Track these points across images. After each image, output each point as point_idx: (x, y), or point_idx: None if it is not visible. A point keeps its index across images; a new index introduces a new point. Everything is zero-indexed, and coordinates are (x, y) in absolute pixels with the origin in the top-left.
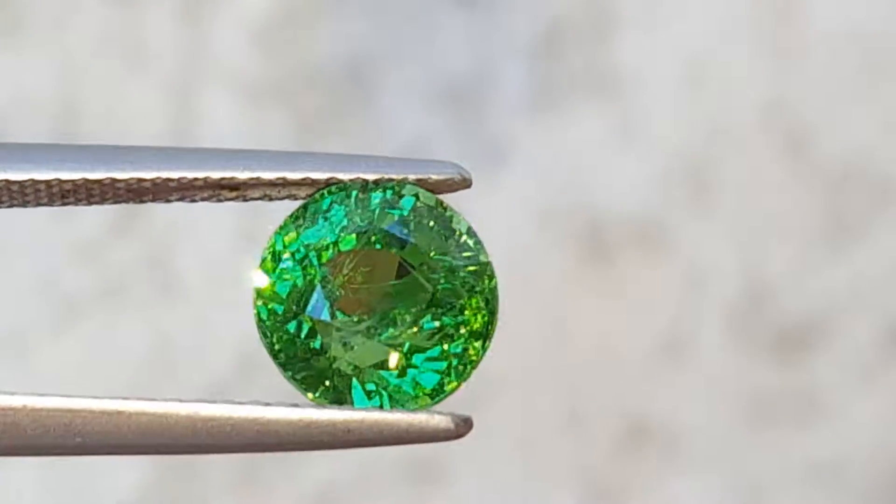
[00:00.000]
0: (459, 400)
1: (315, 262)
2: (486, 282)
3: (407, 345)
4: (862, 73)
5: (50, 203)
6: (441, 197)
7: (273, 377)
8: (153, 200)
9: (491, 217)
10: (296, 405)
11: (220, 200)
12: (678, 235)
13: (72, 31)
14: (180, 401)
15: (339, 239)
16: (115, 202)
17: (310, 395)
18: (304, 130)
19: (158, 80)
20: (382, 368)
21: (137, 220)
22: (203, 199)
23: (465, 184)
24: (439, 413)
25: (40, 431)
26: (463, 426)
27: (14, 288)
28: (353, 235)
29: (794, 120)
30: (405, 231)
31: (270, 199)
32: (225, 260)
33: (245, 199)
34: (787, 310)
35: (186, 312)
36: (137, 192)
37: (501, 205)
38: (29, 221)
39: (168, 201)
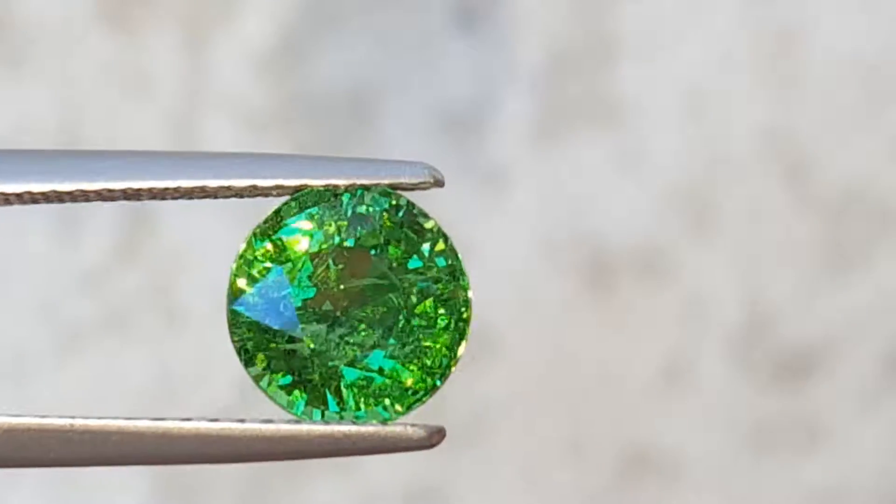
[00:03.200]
0: (461, 428)
1: (287, 265)
2: (458, 283)
3: (378, 348)
4: (862, 102)
5: (9, 204)
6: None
7: (275, 406)
8: (126, 200)
9: (492, 244)
10: (270, 420)
11: (191, 199)
12: (679, 263)
13: (74, 61)
14: (160, 419)
15: (311, 242)
16: (86, 202)
17: (281, 400)
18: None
19: (160, 109)
20: (354, 369)
21: (141, 249)
22: (174, 199)
23: (438, 185)
24: (412, 425)
25: (35, 446)
26: (436, 436)
27: (17, 315)
28: (325, 237)
29: (794, 148)
30: (376, 234)
31: (241, 197)
32: None
33: (216, 198)
34: (787, 337)
35: (188, 340)
36: (108, 198)
37: (502, 232)
38: (32, 248)
39: (140, 200)
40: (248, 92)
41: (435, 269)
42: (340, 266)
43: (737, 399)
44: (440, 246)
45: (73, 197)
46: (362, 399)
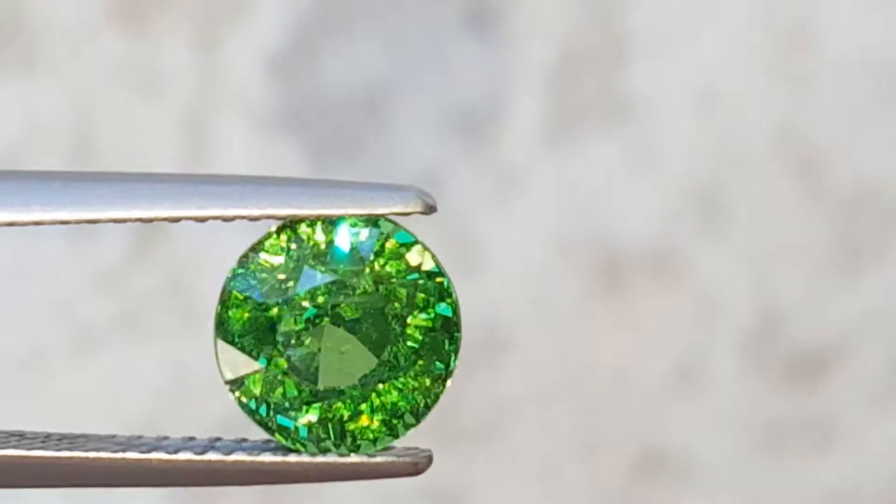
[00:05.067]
0: (476, 428)
1: (272, 306)
2: (446, 314)
3: (367, 382)
4: (874, 100)
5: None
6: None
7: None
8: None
9: (505, 244)
10: (271, 445)
11: (177, 220)
12: (692, 263)
13: (86, 61)
14: (143, 450)
15: (297, 281)
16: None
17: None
18: (318, 159)
19: (172, 110)
20: (345, 403)
21: (156, 250)
22: (160, 221)
23: (430, 211)
24: (399, 455)
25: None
26: (423, 463)
27: (33, 315)
28: (312, 278)
29: (806, 147)
30: (365, 271)
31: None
32: None
33: (203, 221)
34: (800, 337)
35: (203, 341)
36: (91, 224)
37: (516, 233)
38: (48, 249)
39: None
40: (261, 93)
41: (425, 310)
42: (329, 301)
43: (749, 399)
44: (430, 287)
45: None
46: (350, 440)
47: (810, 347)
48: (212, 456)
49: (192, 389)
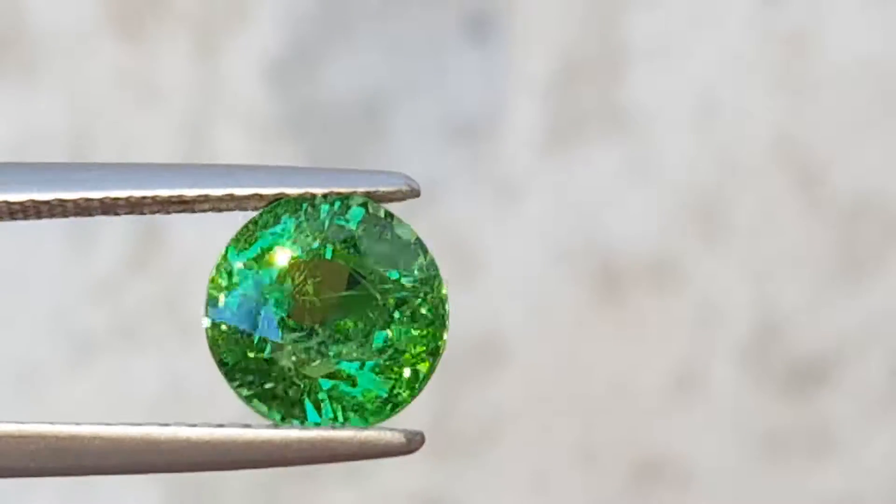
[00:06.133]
0: (473, 435)
1: (265, 275)
2: (436, 292)
3: (356, 358)
4: (874, 108)
5: (13, 218)
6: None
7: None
8: (102, 215)
9: (504, 252)
10: (248, 425)
11: (168, 213)
12: (691, 271)
13: (85, 68)
14: (132, 424)
15: (289, 251)
16: (64, 217)
17: (261, 410)
18: (317, 166)
19: (171, 117)
20: (333, 379)
21: (152, 260)
22: (152, 213)
23: (414, 194)
24: (391, 429)
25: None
26: (416, 441)
27: (29, 324)
28: (303, 247)
29: (806, 155)
30: (354, 242)
31: (220, 211)
32: None
33: (194, 212)
34: (799, 346)
35: (200, 351)
36: (86, 209)
37: (514, 240)
38: (45, 259)
39: (117, 215)
40: (260, 100)
41: (413, 280)
42: (318, 278)
43: (748, 407)
44: (419, 257)
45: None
46: (340, 410)
47: (809, 356)
48: (198, 431)
49: (189, 398)
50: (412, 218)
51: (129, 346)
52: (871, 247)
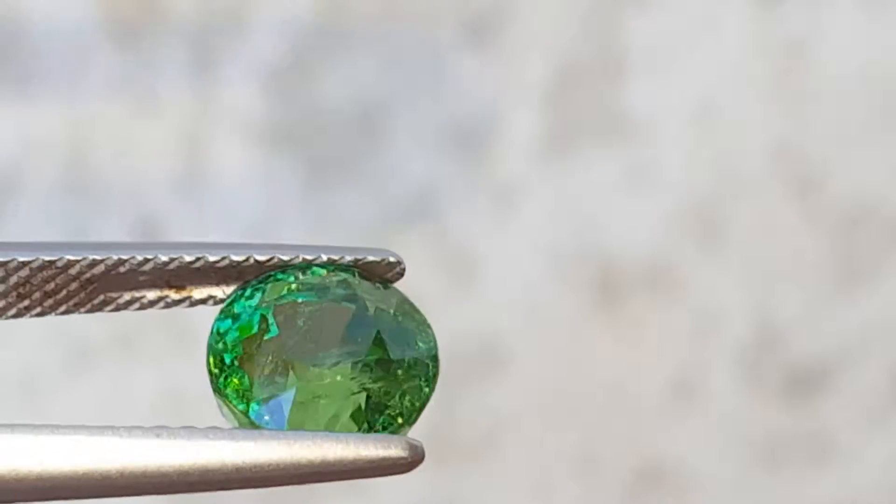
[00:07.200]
0: (472, 443)
1: (269, 313)
2: (429, 343)
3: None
4: (873, 116)
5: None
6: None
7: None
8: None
9: (501, 260)
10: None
11: (167, 306)
12: (689, 278)
13: (83, 78)
14: (119, 434)
15: (292, 293)
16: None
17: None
18: (315, 175)
19: (169, 127)
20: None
21: None
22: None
23: (399, 268)
24: (390, 447)
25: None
26: (418, 456)
27: (27, 333)
28: (306, 292)
29: (804, 163)
30: (351, 290)
31: (216, 303)
32: None
33: (192, 304)
34: (798, 352)
35: (198, 360)
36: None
37: (512, 248)
38: None
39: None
40: (258, 109)
41: (413, 328)
42: (320, 315)
43: (747, 414)
44: (413, 312)
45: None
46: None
47: (808, 363)
48: (192, 442)
49: (187, 408)
50: (412, 226)
51: (127, 355)
52: (869, 255)
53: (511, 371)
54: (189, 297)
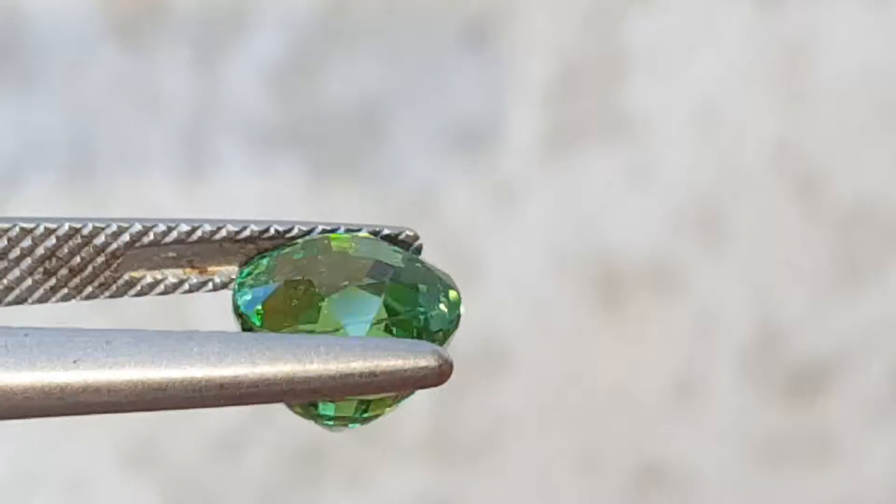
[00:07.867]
0: (474, 442)
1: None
2: (452, 284)
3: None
4: (874, 116)
5: None
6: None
7: (289, 419)
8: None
9: (503, 259)
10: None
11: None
12: (690, 278)
13: (85, 77)
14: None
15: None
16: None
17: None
18: (317, 174)
19: (171, 126)
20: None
21: None
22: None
23: (416, 244)
24: (419, 359)
25: None
26: (447, 368)
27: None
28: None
29: (806, 162)
30: (373, 244)
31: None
32: None
33: (214, 288)
34: (799, 351)
35: None
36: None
37: (514, 247)
38: None
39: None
40: (260, 109)
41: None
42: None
43: (749, 414)
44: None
45: None
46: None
47: (809, 362)
48: (226, 362)
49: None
50: (414, 225)
51: None
52: (870, 254)
53: (512, 370)
54: (210, 280)
